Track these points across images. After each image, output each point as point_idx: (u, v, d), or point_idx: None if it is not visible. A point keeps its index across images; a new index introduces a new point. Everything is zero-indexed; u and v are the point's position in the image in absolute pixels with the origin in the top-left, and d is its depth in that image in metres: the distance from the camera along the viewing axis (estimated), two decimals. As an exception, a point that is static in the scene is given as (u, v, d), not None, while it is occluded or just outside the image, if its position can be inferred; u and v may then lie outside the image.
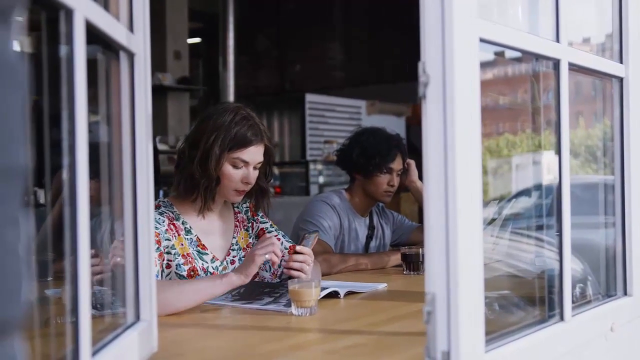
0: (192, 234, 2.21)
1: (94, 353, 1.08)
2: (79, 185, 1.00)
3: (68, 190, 0.99)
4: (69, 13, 0.99)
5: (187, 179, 2.19)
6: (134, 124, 1.36)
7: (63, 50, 1.00)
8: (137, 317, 1.37)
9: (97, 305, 1.33)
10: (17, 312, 0.55)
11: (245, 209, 2.41)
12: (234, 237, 2.34)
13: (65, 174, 1.00)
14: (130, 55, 1.34)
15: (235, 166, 2.18)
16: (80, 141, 1.00)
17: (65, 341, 1.05)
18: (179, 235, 2.18)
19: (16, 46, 0.57)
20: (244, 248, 2.34)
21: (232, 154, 2.17)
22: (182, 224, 2.21)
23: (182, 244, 2.17)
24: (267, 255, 1.98)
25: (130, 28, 1.34)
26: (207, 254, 2.23)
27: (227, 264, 2.28)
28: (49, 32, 1.02)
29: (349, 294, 2.18)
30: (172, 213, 2.21)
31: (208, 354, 1.58)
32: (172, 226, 2.17)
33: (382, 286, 2.35)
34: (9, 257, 0.53)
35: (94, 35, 1.11)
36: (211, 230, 2.28)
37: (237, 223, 2.37)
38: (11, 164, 0.53)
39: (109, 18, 1.18)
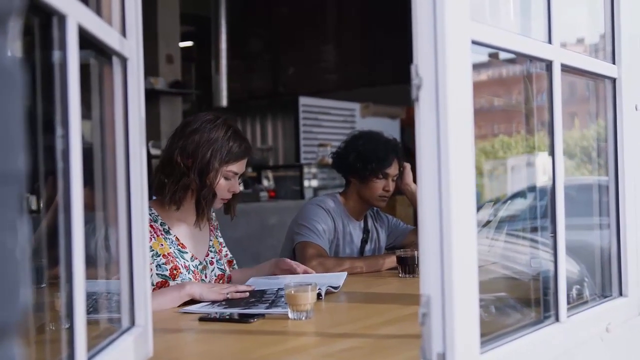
0: (171, 234, 2.30)
1: (90, 358, 1.08)
2: (73, 191, 0.99)
3: (62, 196, 0.99)
4: (62, 19, 0.99)
5: (181, 189, 2.26)
6: (127, 129, 1.36)
7: (56, 55, 1.00)
8: (132, 323, 1.36)
9: (90, 309, 1.32)
10: (15, 316, 0.55)
11: (214, 216, 2.53)
12: (210, 240, 2.45)
13: (59, 180, 1.00)
14: (123, 60, 1.34)
15: (226, 178, 2.31)
16: (74, 146, 1.00)
17: (59, 347, 1.05)
18: (157, 236, 2.25)
19: (12, 52, 0.57)
20: (218, 251, 2.47)
21: (226, 167, 2.28)
22: (161, 225, 2.29)
23: (161, 245, 2.25)
24: (228, 295, 2.12)
25: (123, 33, 1.34)
26: (187, 252, 2.32)
27: (206, 263, 2.38)
28: (41, 37, 1.02)
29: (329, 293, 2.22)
30: (150, 215, 2.27)
31: (204, 359, 1.58)
32: (150, 228, 2.22)
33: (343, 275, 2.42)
34: (7, 261, 0.53)
35: (86, 40, 1.11)
36: (190, 234, 2.36)
37: (212, 228, 2.49)
38: (10, 169, 0.53)
39: (101, 23, 1.18)
